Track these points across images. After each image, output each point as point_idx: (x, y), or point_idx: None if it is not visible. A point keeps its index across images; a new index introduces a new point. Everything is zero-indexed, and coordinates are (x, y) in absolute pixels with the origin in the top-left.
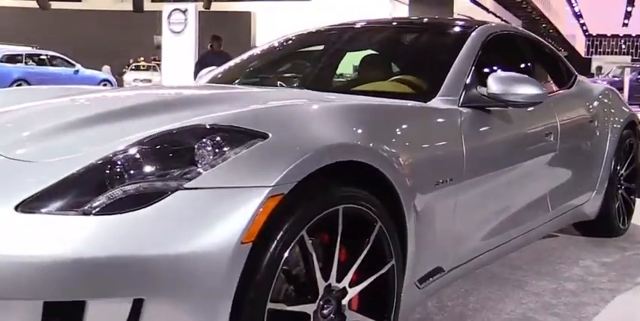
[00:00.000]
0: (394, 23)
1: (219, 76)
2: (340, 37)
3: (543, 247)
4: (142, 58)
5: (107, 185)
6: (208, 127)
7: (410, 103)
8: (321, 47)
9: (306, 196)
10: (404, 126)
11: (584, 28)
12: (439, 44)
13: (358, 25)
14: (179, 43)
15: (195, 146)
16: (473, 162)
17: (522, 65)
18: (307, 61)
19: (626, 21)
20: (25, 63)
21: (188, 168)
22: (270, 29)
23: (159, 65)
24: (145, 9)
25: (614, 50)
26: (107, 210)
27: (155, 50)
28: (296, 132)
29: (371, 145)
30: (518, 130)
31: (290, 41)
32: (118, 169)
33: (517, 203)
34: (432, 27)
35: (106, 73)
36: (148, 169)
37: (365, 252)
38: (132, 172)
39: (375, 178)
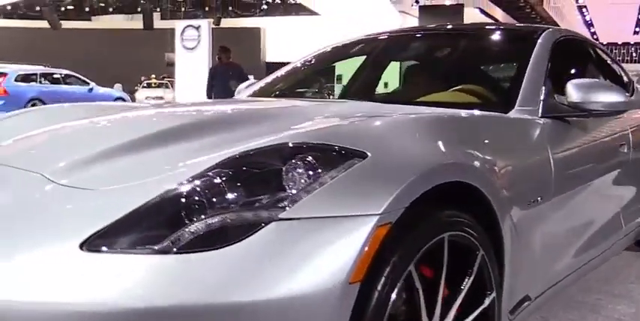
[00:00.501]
0: (448, 30)
1: (261, 89)
2: (388, 47)
3: (608, 265)
4: (153, 76)
5: (185, 217)
6: (297, 145)
7: (492, 114)
8: (365, 57)
9: (412, 225)
10: (495, 139)
11: (595, 36)
12: (502, 51)
13: (407, 33)
14: (192, 60)
15: (284, 168)
16: (560, 178)
17: (589, 71)
18: (357, 72)
19: (637, 29)
20: (40, 82)
21: (279, 194)
22: (280, 44)
23: (171, 82)
24: (154, 27)
25: (625, 58)
26: (189, 247)
27: (166, 67)
28: (395, 149)
29: (476, 163)
30: (597, 142)
31: (335, 51)
32: (197, 198)
33: (596, 221)
34: (491, 33)
35: (118, 90)
36: (231, 196)
37: (468, 285)
38: (213, 200)
39: (473, 201)
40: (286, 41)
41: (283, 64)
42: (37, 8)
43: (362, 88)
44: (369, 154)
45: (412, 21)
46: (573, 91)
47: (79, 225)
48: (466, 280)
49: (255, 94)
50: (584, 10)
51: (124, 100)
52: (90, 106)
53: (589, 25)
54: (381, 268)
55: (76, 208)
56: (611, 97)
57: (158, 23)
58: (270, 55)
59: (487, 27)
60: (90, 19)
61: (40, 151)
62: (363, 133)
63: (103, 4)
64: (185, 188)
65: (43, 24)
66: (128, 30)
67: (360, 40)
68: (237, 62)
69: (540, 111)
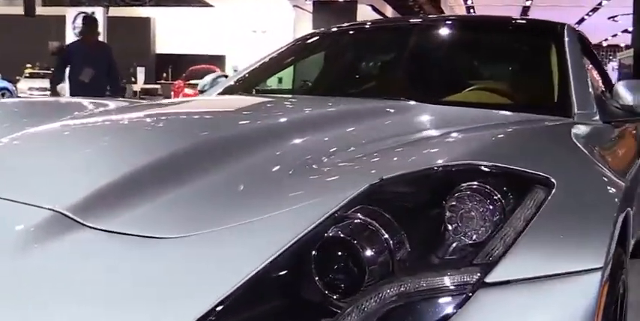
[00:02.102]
0: (458, 21)
1: (239, 84)
2: (396, 38)
3: None
4: (36, 65)
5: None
6: (467, 167)
7: (580, 121)
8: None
9: (614, 276)
10: (607, 150)
11: None
12: (523, 46)
13: (409, 23)
14: None
15: (452, 203)
16: None
17: (602, 69)
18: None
19: None
20: None
21: (464, 243)
22: (172, 35)
23: None
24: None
25: None
26: None
27: (50, 57)
28: (577, 173)
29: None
30: None
31: (318, 43)
32: (337, 255)
33: None
34: (505, 26)
35: (2, 81)
36: (401, 251)
37: None
38: (377, 260)
39: None
40: (178, 32)
41: (175, 56)
42: None
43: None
44: (554, 181)
45: (306, 16)
46: (626, 94)
47: (180, 299)
48: None
49: (229, 91)
50: (471, 10)
51: (9, 91)
52: (54, 102)
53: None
54: None
55: (156, 271)
56: None
57: (40, 9)
58: (162, 47)
59: (500, 19)
60: None
61: (34, 173)
62: (520, 148)
63: None
64: (317, 236)
65: None
66: (7, 16)
67: (375, 28)
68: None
69: (598, 115)
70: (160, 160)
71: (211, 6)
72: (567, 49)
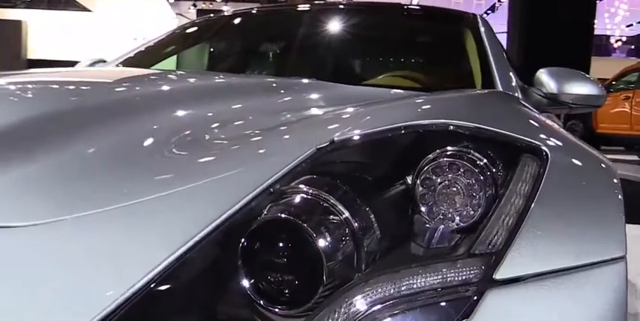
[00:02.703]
0: (366, 6)
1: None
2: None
3: None
4: None
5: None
6: (439, 126)
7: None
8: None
9: None
10: None
11: None
12: (443, 35)
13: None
14: None
15: (427, 175)
16: None
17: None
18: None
19: None
20: None
21: (447, 224)
22: (46, 40)
23: None
24: None
25: None
26: None
27: None
28: (562, 144)
29: None
30: None
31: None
32: (277, 246)
33: None
34: (419, 13)
35: None
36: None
37: None
38: (333, 248)
39: None
40: (53, 37)
41: (48, 62)
42: None
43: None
44: (546, 150)
45: None
46: (549, 81)
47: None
48: None
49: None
50: None
51: None
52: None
53: None
54: None
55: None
56: (588, 89)
57: None
58: (34, 52)
59: (398, 5)
60: None
61: None
62: (485, 111)
63: None
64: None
65: None
66: None
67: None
68: None
69: None
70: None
71: (89, 11)
72: (485, 38)
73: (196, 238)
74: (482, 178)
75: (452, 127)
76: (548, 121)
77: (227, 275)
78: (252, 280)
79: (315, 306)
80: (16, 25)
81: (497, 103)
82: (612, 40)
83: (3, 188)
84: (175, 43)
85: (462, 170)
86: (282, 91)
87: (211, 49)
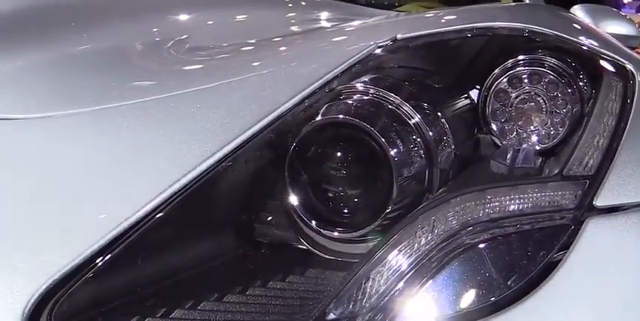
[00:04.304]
0: None
1: None
2: None
3: None
4: None
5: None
6: (536, 37)
7: None
8: None
9: None
10: None
11: None
12: None
13: None
14: None
15: (502, 86)
16: None
17: None
18: None
19: None
20: None
21: (529, 142)
22: None
23: None
24: None
25: None
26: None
27: None
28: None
29: None
30: None
31: None
32: (333, 154)
33: None
34: None
35: None
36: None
37: None
38: (402, 159)
39: None
40: None
41: None
42: None
43: None
44: (631, 68)
45: None
46: (585, 18)
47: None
48: None
49: None
50: None
51: None
52: None
53: None
54: None
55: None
56: (625, 29)
57: None
58: None
59: None
60: None
61: None
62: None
63: None
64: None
65: None
66: None
67: None
68: None
69: None
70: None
71: None
72: None
73: (236, 142)
74: (568, 90)
75: (527, 33)
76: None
77: (270, 189)
78: (302, 196)
79: (378, 230)
80: None
81: (561, 15)
82: None
83: (17, 78)
84: None
85: (544, 81)
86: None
87: None
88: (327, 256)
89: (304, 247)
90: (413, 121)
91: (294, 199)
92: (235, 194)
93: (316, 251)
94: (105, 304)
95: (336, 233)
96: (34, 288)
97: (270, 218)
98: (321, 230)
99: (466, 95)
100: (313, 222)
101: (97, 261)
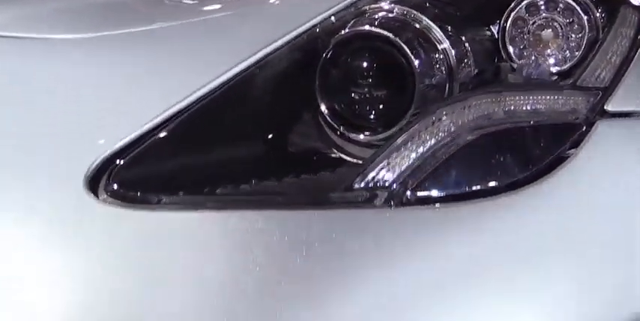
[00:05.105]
0: None
1: None
2: None
3: None
4: None
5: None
6: None
7: None
8: None
9: None
10: None
11: None
12: None
13: None
14: None
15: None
16: None
17: None
18: None
19: None
20: None
21: (545, 61)
22: None
23: None
24: None
25: None
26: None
27: None
28: None
29: None
30: None
31: None
32: (360, 63)
33: None
34: None
35: None
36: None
37: None
38: (426, 68)
39: None
40: None
41: None
42: None
43: None
44: None
45: None
46: None
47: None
48: None
49: None
50: None
51: None
52: None
53: None
54: None
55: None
56: None
57: None
58: None
59: None
60: None
61: None
62: None
63: None
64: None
65: None
66: None
67: None
68: None
69: None
70: None
71: None
72: None
73: (263, 52)
74: (584, 17)
75: None
76: None
77: (300, 98)
78: (331, 103)
79: (400, 133)
80: None
81: None
82: None
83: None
84: None
85: (560, 7)
86: None
87: None
88: (355, 161)
89: (335, 156)
90: (435, 35)
91: (323, 107)
92: (266, 104)
93: (346, 157)
94: (161, 175)
95: (362, 136)
96: (95, 155)
97: (300, 129)
98: (349, 135)
99: (486, 24)
100: (341, 127)
101: (155, 133)
